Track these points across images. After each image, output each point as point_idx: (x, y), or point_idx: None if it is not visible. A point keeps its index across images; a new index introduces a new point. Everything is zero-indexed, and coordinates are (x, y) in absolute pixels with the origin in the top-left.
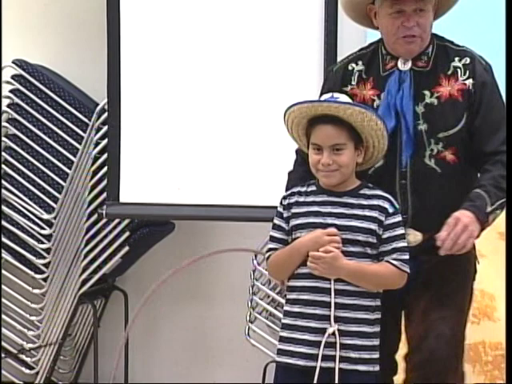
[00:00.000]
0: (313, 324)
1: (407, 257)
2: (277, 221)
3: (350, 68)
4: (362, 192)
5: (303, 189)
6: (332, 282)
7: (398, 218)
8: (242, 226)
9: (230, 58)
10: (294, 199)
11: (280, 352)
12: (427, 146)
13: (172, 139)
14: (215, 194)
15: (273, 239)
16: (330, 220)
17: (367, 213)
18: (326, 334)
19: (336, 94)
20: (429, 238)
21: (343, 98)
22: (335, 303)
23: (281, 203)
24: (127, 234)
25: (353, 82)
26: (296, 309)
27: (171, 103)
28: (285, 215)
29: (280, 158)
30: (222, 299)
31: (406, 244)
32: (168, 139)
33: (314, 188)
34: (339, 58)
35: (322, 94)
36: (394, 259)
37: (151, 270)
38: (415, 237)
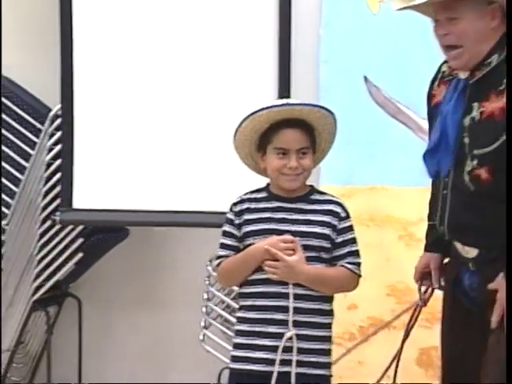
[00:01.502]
0: (271, 329)
1: (360, 260)
2: (227, 228)
3: (442, 69)
4: (313, 197)
5: (253, 195)
6: (290, 286)
7: (350, 222)
8: (197, 232)
9: (183, 63)
10: (245, 206)
11: (235, 359)
12: (467, 161)
13: (126, 145)
14: (169, 200)
15: (224, 246)
16: (283, 226)
17: (320, 218)
18: (284, 339)
19: (290, 100)
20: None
21: (294, 101)
22: (293, 308)
23: (231, 210)
24: (81, 240)
25: (435, 83)
26: (252, 315)
27: (125, 109)
28: (236, 222)
29: (234, 164)
30: (176, 304)
31: (358, 248)
32: (122, 145)
33: (264, 194)
34: (292, 65)
35: (429, 94)
36: (349, 263)
37: (105, 276)
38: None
